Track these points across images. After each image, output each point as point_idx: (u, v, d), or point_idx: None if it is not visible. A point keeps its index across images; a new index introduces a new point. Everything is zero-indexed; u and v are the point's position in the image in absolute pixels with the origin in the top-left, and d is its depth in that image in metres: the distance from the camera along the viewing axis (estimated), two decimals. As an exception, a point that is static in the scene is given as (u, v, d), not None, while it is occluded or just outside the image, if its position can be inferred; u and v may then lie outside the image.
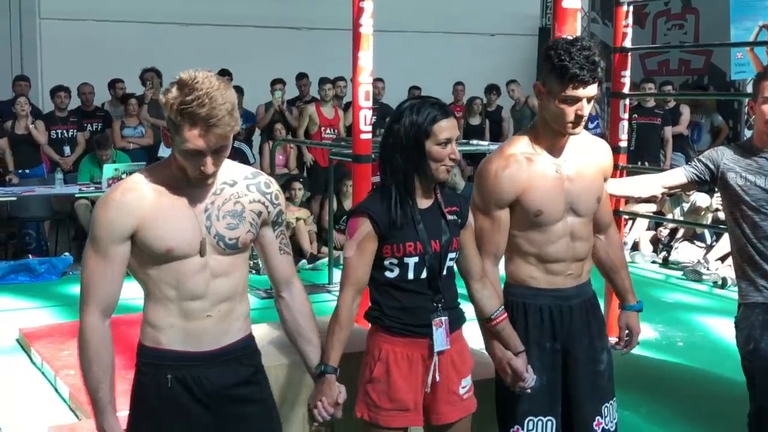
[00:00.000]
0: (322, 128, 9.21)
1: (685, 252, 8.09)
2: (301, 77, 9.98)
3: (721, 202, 7.60)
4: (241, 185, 2.27)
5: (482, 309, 2.69)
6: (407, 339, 2.54)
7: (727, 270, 7.45)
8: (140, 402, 2.26)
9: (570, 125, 2.62)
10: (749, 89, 10.40)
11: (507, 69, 11.68)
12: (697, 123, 10.02)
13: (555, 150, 2.72)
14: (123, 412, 2.25)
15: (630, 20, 5.52)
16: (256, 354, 2.38)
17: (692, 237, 8.26)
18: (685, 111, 9.84)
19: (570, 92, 2.56)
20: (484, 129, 10.61)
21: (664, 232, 8.51)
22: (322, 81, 9.31)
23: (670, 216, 8.25)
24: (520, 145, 2.73)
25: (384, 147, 2.55)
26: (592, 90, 2.58)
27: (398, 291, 2.54)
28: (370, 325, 2.62)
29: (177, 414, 2.21)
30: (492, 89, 10.95)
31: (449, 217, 2.58)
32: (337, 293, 2.55)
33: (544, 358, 2.76)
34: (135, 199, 2.15)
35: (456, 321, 2.63)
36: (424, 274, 2.53)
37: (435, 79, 10.70)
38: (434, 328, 2.53)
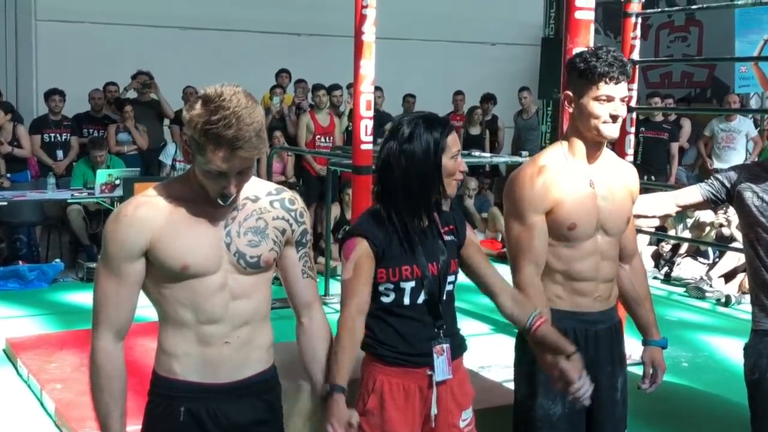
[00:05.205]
0: (317, 136, 9.05)
1: (687, 268, 7.97)
2: (300, 82, 9.87)
3: (724, 219, 7.54)
4: (264, 201, 2.14)
5: (518, 322, 2.50)
6: (403, 369, 2.40)
7: (731, 288, 7.33)
8: None
9: (605, 126, 2.54)
10: (753, 104, 10.40)
11: (508, 78, 11.60)
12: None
13: (588, 164, 2.64)
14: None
15: (638, 32, 5.41)
16: (276, 388, 2.24)
17: (695, 253, 8.14)
18: (686, 124, 9.81)
19: (602, 90, 2.52)
20: (484, 139, 10.49)
21: (666, 247, 8.39)
22: (316, 87, 9.16)
23: (673, 231, 8.13)
24: (554, 156, 2.65)
25: (385, 168, 2.41)
26: (623, 89, 2.55)
27: (393, 317, 2.41)
28: (364, 353, 2.47)
29: None
30: (488, 98, 10.80)
31: (446, 237, 2.46)
32: (333, 305, 2.42)
33: None
34: (148, 213, 2.02)
35: (457, 348, 2.49)
36: (420, 299, 2.40)
37: (435, 88, 10.60)
38: (435, 355, 2.39)
